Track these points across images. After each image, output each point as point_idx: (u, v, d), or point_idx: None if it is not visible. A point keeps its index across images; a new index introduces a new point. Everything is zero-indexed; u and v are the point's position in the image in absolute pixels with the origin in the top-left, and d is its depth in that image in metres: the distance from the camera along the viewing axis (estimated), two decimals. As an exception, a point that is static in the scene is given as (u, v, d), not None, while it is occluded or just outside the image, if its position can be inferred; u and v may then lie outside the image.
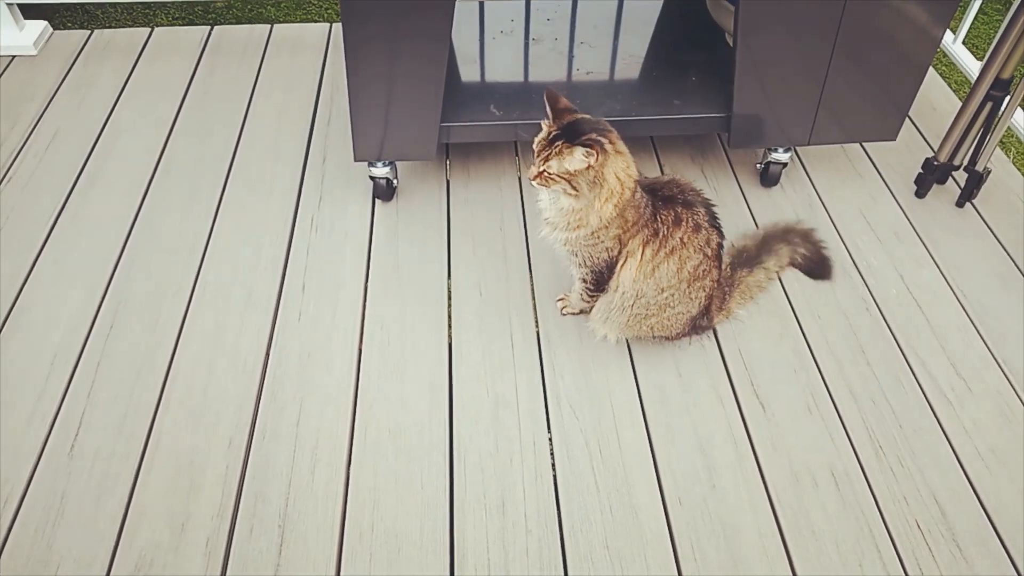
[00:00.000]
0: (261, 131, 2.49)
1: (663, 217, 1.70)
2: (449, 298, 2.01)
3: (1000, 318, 2.00)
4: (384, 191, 2.21)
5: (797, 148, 2.42)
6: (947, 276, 2.10)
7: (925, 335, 1.95)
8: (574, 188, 1.59)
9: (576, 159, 1.54)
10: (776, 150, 2.23)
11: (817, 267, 2.06)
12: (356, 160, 2.11)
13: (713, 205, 1.78)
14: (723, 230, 1.78)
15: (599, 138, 1.56)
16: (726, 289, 1.91)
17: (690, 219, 1.71)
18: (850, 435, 1.74)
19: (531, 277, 2.06)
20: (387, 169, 2.15)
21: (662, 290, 1.73)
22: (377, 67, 1.92)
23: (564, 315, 1.97)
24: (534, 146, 1.61)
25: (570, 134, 1.56)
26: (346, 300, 1.99)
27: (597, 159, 1.54)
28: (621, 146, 1.61)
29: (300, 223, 2.19)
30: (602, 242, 1.70)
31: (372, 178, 2.19)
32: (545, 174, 1.59)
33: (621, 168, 1.61)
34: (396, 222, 2.20)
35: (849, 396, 1.81)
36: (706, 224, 1.73)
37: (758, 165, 2.34)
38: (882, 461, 1.70)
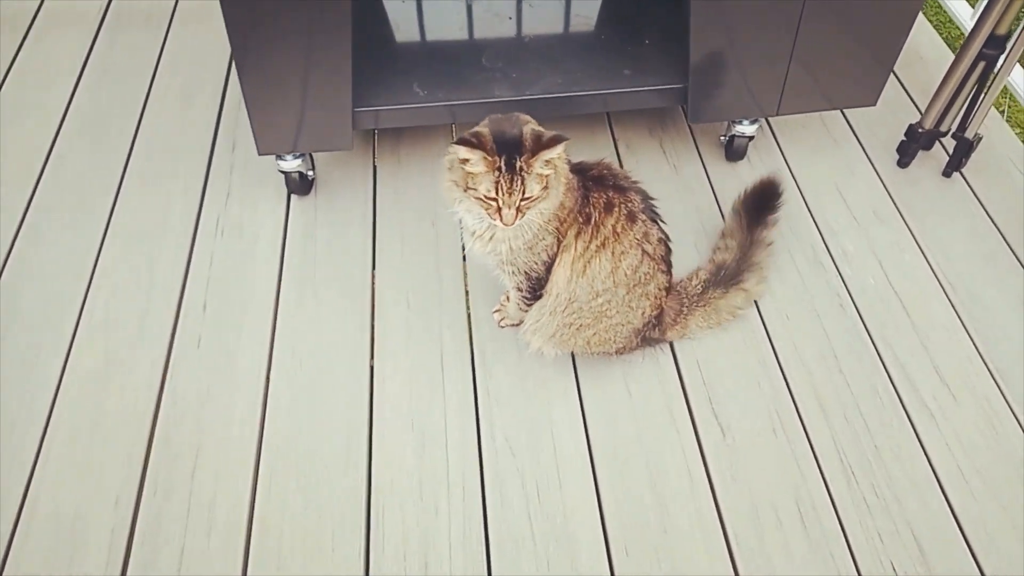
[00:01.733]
0: (164, 115, 2.20)
1: (594, 200, 1.49)
2: (373, 311, 1.77)
3: (990, 310, 1.78)
4: (298, 185, 1.95)
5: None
6: (931, 261, 1.88)
7: (906, 334, 1.74)
8: (546, 188, 1.38)
9: (553, 155, 1.33)
10: (741, 122, 1.97)
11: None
12: (260, 154, 1.85)
13: (652, 199, 1.54)
14: (665, 229, 1.55)
15: (536, 129, 1.35)
16: (684, 301, 1.68)
17: (623, 206, 1.49)
18: (819, 460, 1.55)
19: (465, 280, 1.83)
20: (298, 162, 1.89)
21: (596, 294, 1.51)
22: (268, 45, 1.64)
23: (503, 327, 1.74)
24: (490, 194, 1.34)
25: (512, 147, 1.32)
26: (254, 319, 1.76)
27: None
28: (535, 124, 1.41)
29: (204, 225, 1.94)
30: (542, 240, 1.47)
31: (282, 172, 1.92)
32: (521, 207, 1.35)
33: None
34: (314, 220, 1.95)
35: (819, 413, 1.61)
36: (643, 215, 1.50)
37: (722, 138, 2.08)
38: (854, 490, 1.51)
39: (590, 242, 1.48)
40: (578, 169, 1.51)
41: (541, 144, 1.32)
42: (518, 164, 1.31)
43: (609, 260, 1.49)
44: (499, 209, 1.35)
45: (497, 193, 1.33)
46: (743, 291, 1.73)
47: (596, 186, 1.50)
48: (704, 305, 1.70)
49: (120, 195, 2.00)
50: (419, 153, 2.10)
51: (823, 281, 1.83)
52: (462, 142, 1.31)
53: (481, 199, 1.35)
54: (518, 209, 1.35)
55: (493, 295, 1.78)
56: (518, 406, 1.62)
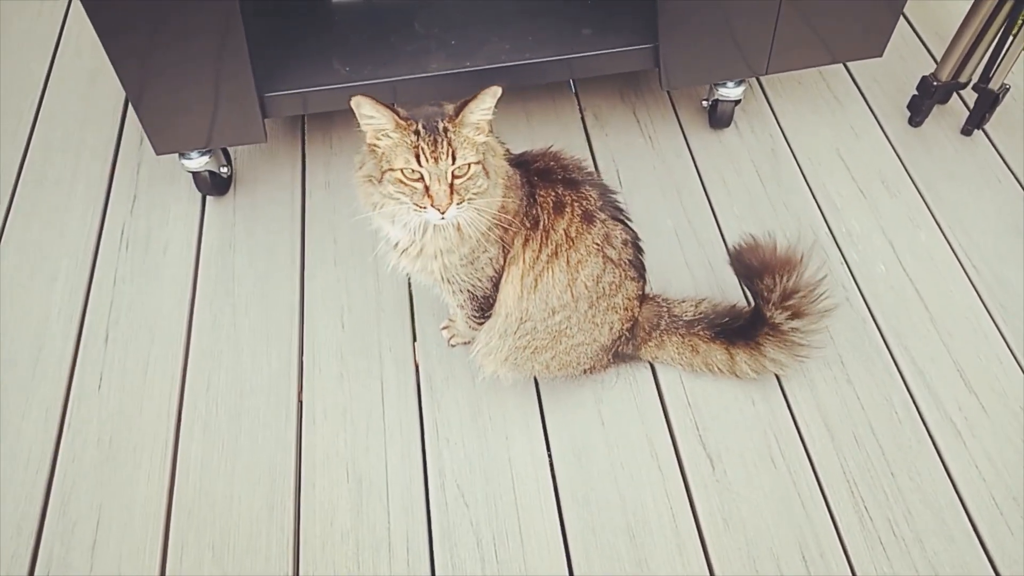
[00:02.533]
0: (65, 105, 1.91)
1: (541, 200, 1.23)
2: (301, 334, 1.52)
3: (1020, 296, 1.53)
4: (211, 186, 1.67)
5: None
6: (951, 240, 1.61)
7: (924, 330, 1.49)
8: (485, 172, 1.13)
9: (484, 107, 1.09)
10: (725, 84, 1.68)
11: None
12: (158, 154, 1.57)
13: (613, 192, 1.28)
14: (633, 227, 1.29)
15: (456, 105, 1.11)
16: (664, 318, 1.40)
17: (576, 204, 1.24)
18: (826, 493, 1.31)
19: (409, 289, 1.57)
20: (206, 159, 1.61)
21: (552, 311, 1.26)
22: (141, 28, 1.35)
23: (453, 346, 1.49)
24: (411, 165, 1.08)
25: (433, 115, 1.10)
26: (163, 349, 1.50)
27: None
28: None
29: (107, 237, 1.67)
30: (484, 252, 1.22)
31: (190, 173, 1.65)
32: (456, 185, 1.09)
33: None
34: (233, 225, 1.68)
35: (825, 435, 1.37)
36: (601, 214, 1.25)
37: (704, 102, 1.79)
38: (868, 530, 1.28)
39: (540, 251, 1.23)
40: (519, 162, 1.24)
41: (468, 100, 1.08)
42: (440, 124, 1.07)
43: (564, 271, 1.23)
44: (427, 189, 1.08)
45: (420, 163, 1.07)
46: (729, 356, 1.37)
47: (543, 182, 1.24)
48: (684, 335, 1.40)
49: (15, 201, 1.73)
50: (355, 140, 1.80)
51: (826, 270, 1.57)
52: (370, 96, 1.07)
53: (402, 181, 1.09)
54: (452, 187, 1.08)
55: (442, 308, 1.52)
56: (472, 444, 1.38)
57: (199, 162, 1.60)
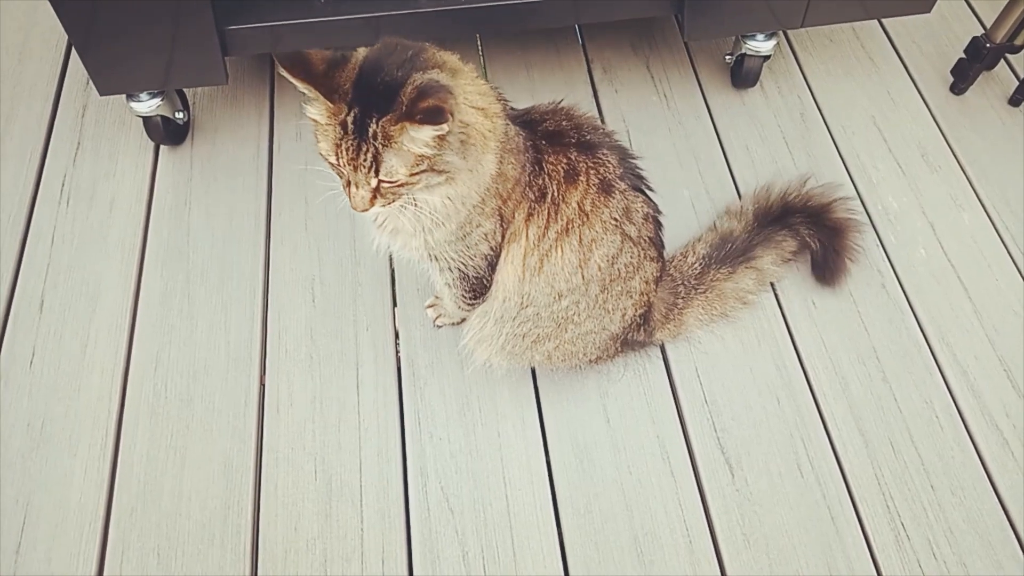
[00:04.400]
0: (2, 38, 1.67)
1: (550, 167, 1.04)
2: (266, 308, 1.33)
3: (1074, 288, 1.38)
4: (164, 134, 1.46)
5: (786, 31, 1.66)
6: (996, 221, 1.45)
7: (968, 324, 1.33)
8: (442, 170, 0.90)
9: (425, 136, 0.85)
10: (754, 36, 1.48)
11: (829, 271, 1.34)
12: (101, 95, 1.35)
13: (634, 157, 1.10)
14: (654, 199, 1.11)
15: (431, 83, 0.85)
16: (680, 290, 1.25)
17: (592, 172, 1.05)
18: (858, 508, 1.16)
19: (391, 261, 1.38)
20: (157, 102, 1.39)
21: (559, 296, 1.08)
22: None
23: (439, 327, 1.31)
24: (330, 158, 0.89)
25: (379, 98, 0.85)
26: (106, 320, 1.31)
27: (452, 116, 0.84)
28: (453, 61, 0.93)
29: (45, 190, 1.46)
30: (478, 227, 1.03)
31: (140, 117, 1.43)
32: (383, 189, 0.90)
33: (471, 91, 0.92)
34: (189, 179, 1.47)
35: (859, 439, 1.22)
36: (621, 183, 1.06)
37: (727, 57, 1.59)
38: (905, 551, 1.13)
39: (547, 227, 1.04)
40: (526, 120, 1.05)
41: (416, 110, 0.83)
42: (372, 127, 0.85)
43: (575, 251, 1.05)
44: (348, 183, 0.90)
45: (337, 159, 0.88)
46: (755, 270, 1.30)
47: (552, 145, 1.04)
48: (705, 291, 1.28)
49: (-65, 147, 1.51)
50: (332, 84, 1.60)
51: (860, 253, 1.40)
52: (297, 62, 0.86)
53: (328, 163, 0.91)
54: (377, 192, 0.90)
55: (428, 283, 1.34)
56: (459, 441, 1.21)
57: (150, 105, 1.38)
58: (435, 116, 0.82)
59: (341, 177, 0.91)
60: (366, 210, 0.91)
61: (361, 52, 0.89)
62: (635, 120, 1.57)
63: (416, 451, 1.20)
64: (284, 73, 0.85)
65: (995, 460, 1.21)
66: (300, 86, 0.86)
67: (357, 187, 0.89)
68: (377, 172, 0.87)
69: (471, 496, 1.16)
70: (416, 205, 0.96)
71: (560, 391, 1.26)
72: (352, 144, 0.86)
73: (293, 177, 1.48)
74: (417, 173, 0.89)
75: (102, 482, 1.17)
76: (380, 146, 0.85)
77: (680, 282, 1.27)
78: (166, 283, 1.35)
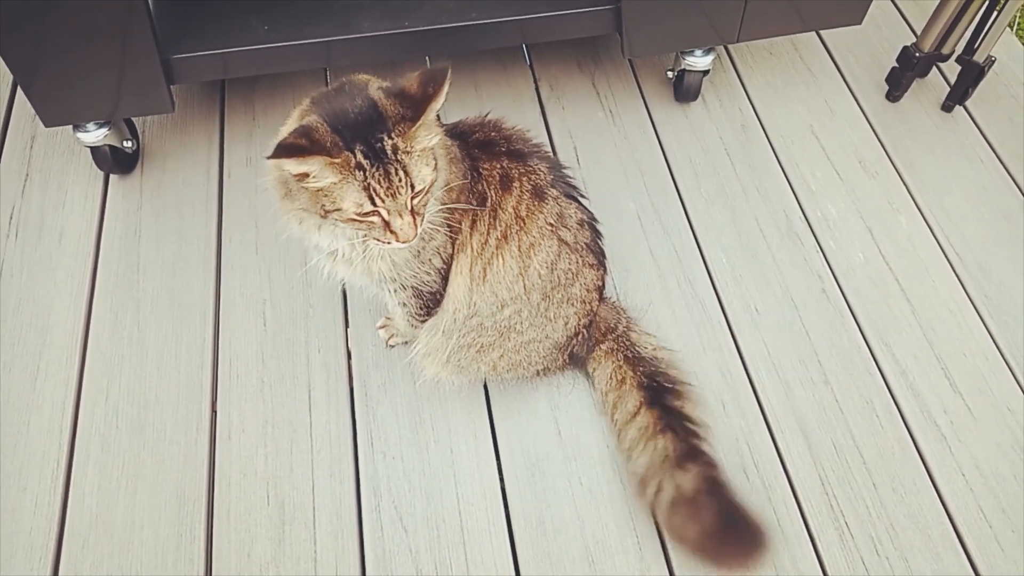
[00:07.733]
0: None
1: (486, 174, 1.07)
2: (216, 333, 1.34)
3: (1006, 286, 1.42)
4: (112, 163, 1.47)
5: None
6: (932, 224, 1.50)
7: (906, 325, 1.37)
8: (435, 169, 0.95)
9: (432, 117, 0.91)
10: (692, 52, 1.53)
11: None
12: (47, 126, 1.36)
13: (563, 167, 1.13)
14: (588, 206, 1.14)
15: (389, 91, 0.92)
16: (620, 319, 1.26)
17: (525, 178, 1.08)
18: (803, 509, 1.19)
19: (343, 283, 1.40)
20: (104, 132, 1.40)
21: (502, 304, 1.11)
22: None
23: (392, 346, 1.33)
24: (364, 206, 0.90)
25: (366, 126, 0.89)
26: (56, 353, 1.31)
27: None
28: (381, 81, 0.97)
29: (-7, 223, 1.46)
30: (431, 241, 1.05)
31: (88, 147, 1.43)
32: (416, 206, 0.93)
33: None
34: (139, 208, 1.48)
35: (802, 442, 1.25)
36: (553, 189, 1.10)
37: (669, 73, 1.63)
38: (849, 549, 1.16)
39: (488, 234, 1.07)
40: (456, 132, 1.08)
41: (418, 98, 0.89)
42: (388, 144, 0.88)
43: (515, 258, 1.08)
44: (386, 223, 0.92)
45: (375, 203, 0.89)
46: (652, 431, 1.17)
47: (484, 154, 1.08)
48: (624, 365, 1.22)
49: None
50: (280, 108, 1.62)
51: (800, 258, 1.44)
52: (284, 151, 0.86)
53: (355, 220, 0.92)
54: (414, 212, 0.92)
55: (379, 303, 1.35)
56: (411, 459, 1.22)
57: (97, 135, 1.39)
58: (436, 82, 0.88)
59: (371, 227, 0.92)
60: (414, 237, 0.93)
61: (306, 116, 0.91)
62: (582, 136, 1.60)
63: (369, 471, 1.21)
64: (290, 163, 0.87)
65: (934, 456, 1.24)
66: (307, 164, 0.87)
67: (400, 216, 0.91)
68: (413, 185, 0.90)
69: (424, 514, 1.18)
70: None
71: (512, 406, 1.27)
72: (379, 173, 0.88)
73: (244, 202, 1.49)
74: (434, 168, 0.93)
75: (52, 515, 1.17)
76: (403, 156, 0.89)
77: (625, 325, 1.25)
78: (116, 313, 1.35)
